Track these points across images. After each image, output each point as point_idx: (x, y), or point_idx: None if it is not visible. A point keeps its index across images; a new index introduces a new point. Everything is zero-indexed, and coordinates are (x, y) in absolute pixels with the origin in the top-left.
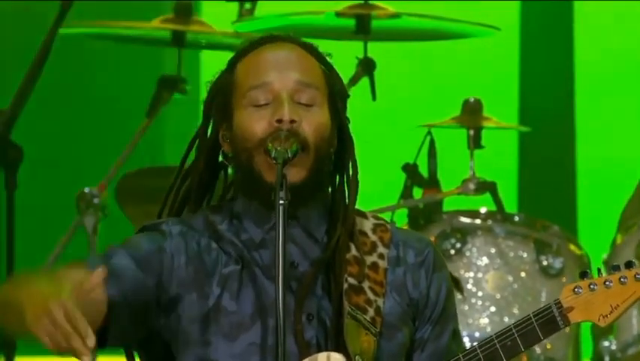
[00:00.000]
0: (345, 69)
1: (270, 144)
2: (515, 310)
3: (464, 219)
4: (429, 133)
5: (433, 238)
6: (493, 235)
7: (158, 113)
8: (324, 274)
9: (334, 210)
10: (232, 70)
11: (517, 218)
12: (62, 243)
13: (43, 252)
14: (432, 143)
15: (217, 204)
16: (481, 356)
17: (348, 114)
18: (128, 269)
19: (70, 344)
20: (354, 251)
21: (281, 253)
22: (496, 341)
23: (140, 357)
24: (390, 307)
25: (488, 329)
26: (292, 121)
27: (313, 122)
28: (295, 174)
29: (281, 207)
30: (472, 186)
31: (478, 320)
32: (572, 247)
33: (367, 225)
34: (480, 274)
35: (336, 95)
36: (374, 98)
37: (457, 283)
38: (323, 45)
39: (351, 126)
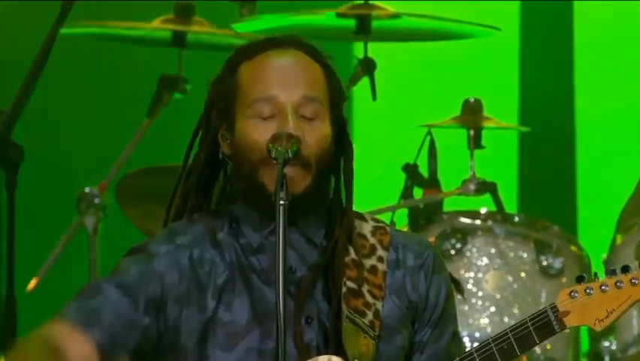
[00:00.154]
0: (345, 69)
1: (270, 144)
2: (515, 311)
3: (464, 220)
4: (429, 133)
5: (433, 239)
6: (494, 236)
7: (158, 113)
8: (323, 278)
9: (332, 213)
10: (234, 71)
11: (517, 218)
12: (63, 243)
13: (43, 252)
14: (432, 143)
15: (216, 209)
16: (477, 359)
17: (349, 115)
18: (111, 304)
19: None
20: (353, 254)
21: (281, 253)
22: (492, 345)
23: None
24: (389, 310)
25: (488, 330)
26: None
27: (315, 137)
28: (296, 187)
29: (281, 208)
30: (472, 186)
31: (478, 320)
32: (572, 247)
33: (366, 227)
34: (480, 275)
35: (337, 102)
36: (374, 98)
37: (457, 285)
38: (323, 45)
39: (351, 126)
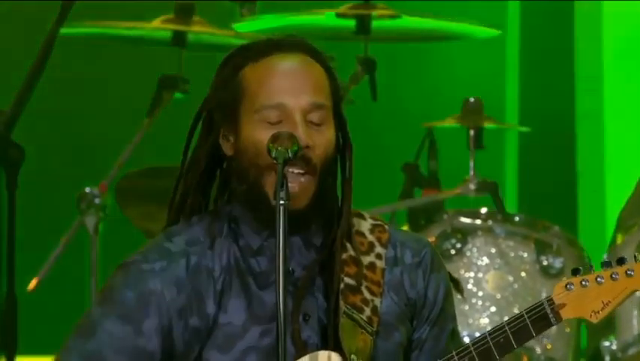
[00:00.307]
0: (345, 69)
1: (270, 144)
2: (516, 310)
3: (464, 220)
4: (429, 133)
5: (433, 238)
6: (494, 235)
7: (158, 113)
8: (321, 276)
9: (331, 212)
10: (237, 73)
11: (517, 218)
12: (63, 243)
13: (44, 252)
14: (432, 143)
15: (215, 210)
16: (474, 353)
17: (349, 114)
18: (112, 341)
19: None
20: (351, 251)
21: (282, 253)
22: (489, 339)
23: None
24: (387, 307)
25: (489, 329)
26: (307, 146)
27: (323, 143)
28: (300, 201)
29: (281, 208)
30: (472, 186)
31: (479, 319)
32: (573, 247)
33: (365, 225)
34: (480, 274)
35: (339, 103)
36: (374, 98)
37: (456, 284)
38: (323, 45)
39: (351, 126)
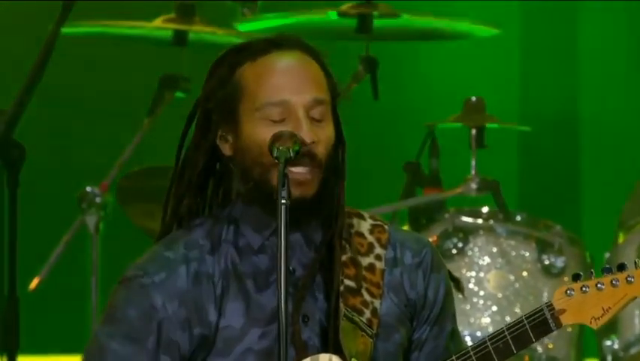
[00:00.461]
0: (347, 69)
1: (272, 144)
2: (517, 310)
3: (466, 219)
4: (431, 132)
5: (434, 238)
6: (495, 235)
7: (159, 113)
8: (321, 277)
9: (329, 209)
10: (233, 72)
11: (519, 217)
12: (65, 242)
13: (45, 251)
14: (434, 142)
15: (215, 214)
16: (474, 358)
17: (349, 114)
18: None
19: None
20: (350, 253)
21: (283, 253)
22: (488, 343)
23: None
24: (387, 308)
25: (490, 329)
26: (312, 142)
27: (325, 138)
28: (307, 190)
29: (283, 207)
30: (474, 185)
31: (480, 319)
32: (574, 246)
33: (364, 226)
34: (482, 274)
35: (335, 100)
36: (376, 97)
37: (457, 283)
38: (324, 45)
39: (352, 125)
